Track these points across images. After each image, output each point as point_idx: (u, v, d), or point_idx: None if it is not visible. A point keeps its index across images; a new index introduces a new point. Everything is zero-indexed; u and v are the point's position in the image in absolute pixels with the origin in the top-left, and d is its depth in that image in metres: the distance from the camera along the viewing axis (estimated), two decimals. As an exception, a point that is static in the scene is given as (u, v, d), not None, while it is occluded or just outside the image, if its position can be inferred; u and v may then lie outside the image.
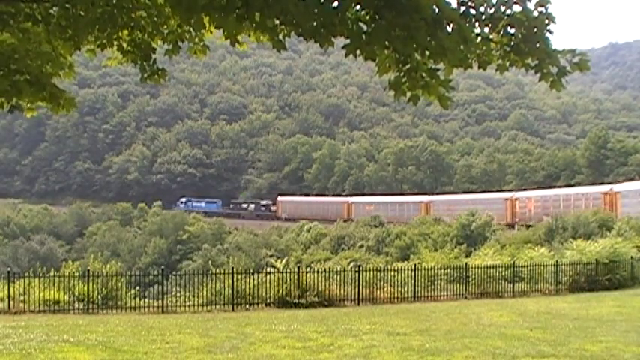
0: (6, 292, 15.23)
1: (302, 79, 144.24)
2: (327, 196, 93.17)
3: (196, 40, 6.25)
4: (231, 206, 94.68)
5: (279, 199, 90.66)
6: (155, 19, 5.84)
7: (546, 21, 4.52)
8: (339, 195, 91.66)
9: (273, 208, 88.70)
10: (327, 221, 71.38)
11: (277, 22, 4.54)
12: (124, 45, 6.15)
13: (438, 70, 4.68)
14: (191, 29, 5.96)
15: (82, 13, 5.56)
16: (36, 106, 6.59)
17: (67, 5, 5.64)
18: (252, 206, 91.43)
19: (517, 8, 4.52)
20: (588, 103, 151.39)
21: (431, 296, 18.48)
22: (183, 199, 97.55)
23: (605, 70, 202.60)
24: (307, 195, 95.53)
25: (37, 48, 6.06)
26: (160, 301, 16.37)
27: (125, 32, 5.95)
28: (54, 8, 5.76)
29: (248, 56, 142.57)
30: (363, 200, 78.43)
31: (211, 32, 5.75)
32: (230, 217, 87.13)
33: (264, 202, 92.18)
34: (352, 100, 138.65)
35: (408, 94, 4.79)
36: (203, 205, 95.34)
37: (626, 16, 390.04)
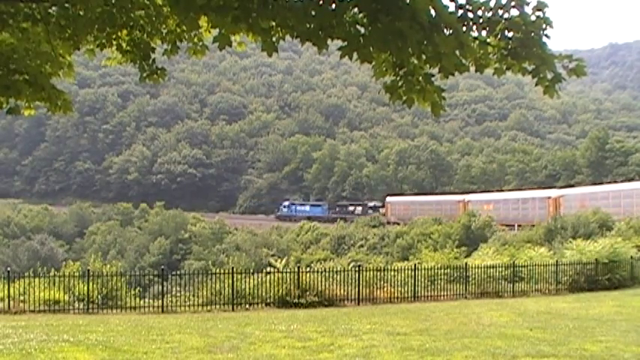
0: (6, 292, 15.22)
1: (302, 79, 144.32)
2: (439, 194, 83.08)
3: (195, 39, 6.25)
4: (337, 209, 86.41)
5: (388, 199, 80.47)
6: (154, 18, 5.85)
7: (543, 25, 4.51)
8: (453, 193, 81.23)
9: (381, 210, 79.33)
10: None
11: (273, 24, 4.51)
12: (123, 45, 6.16)
13: (433, 75, 4.66)
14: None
15: (81, 13, 5.57)
16: (34, 106, 6.59)
17: (66, 5, 5.64)
18: (359, 209, 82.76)
19: (515, 12, 4.51)
20: (588, 103, 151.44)
21: (431, 296, 18.48)
22: (286, 203, 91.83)
23: (605, 70, 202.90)
24: (417, 194, 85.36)
25: (36, 48, 6.06)
26: (160, 301, 16.36)
27: (124, 32, 5.96)
28: (53, 8, 5.76)
29: (248, 56, 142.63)
30: (480, 198, 68.44)
31: (210, 32, 5.74)
32: (336, 221, 76.53)
33: (371, 204, 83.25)
34: (352, 100, 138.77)
35: (404, 97, 4.77)
36: (307, 208, 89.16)
37: (626, 16, 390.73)
